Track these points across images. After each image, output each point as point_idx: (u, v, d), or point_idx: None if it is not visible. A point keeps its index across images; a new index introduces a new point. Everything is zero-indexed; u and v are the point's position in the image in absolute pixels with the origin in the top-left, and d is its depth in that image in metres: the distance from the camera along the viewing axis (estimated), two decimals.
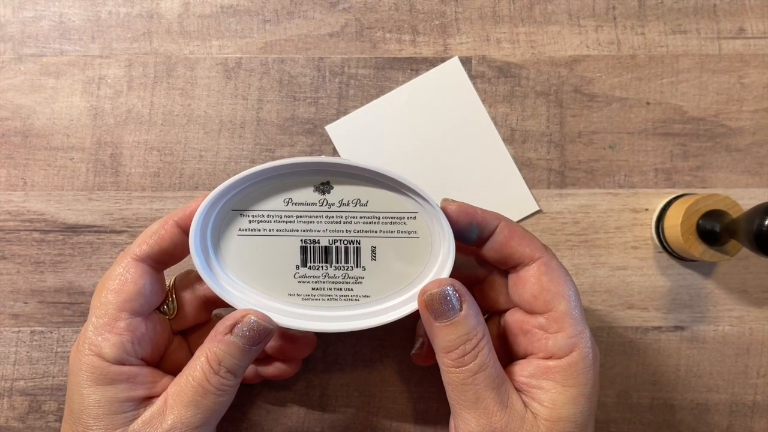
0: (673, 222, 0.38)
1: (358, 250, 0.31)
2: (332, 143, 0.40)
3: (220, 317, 0.34)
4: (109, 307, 0.30)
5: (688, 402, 0.40)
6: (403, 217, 0.31)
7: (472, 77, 0.41)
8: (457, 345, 0.29)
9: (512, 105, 0.40)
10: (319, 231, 0.31)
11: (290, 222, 0.31)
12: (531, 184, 0.40)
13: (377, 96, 0.40)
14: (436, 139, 0.40)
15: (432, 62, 0.41)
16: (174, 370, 0.32)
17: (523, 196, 0.40)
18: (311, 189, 0.31)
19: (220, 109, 0.40)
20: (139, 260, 0.31)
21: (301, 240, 0.31)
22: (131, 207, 0.40)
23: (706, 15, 0.41)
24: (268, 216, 0.31)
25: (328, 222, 0.31)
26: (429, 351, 0.35)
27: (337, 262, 0.31)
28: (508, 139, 0.40)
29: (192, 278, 0.34)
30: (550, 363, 0.30)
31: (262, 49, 0.41)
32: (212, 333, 0.30)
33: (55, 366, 0.40)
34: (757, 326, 0.40)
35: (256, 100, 0.40)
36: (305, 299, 0.32)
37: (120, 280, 0.30)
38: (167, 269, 0.33)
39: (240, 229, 0.31)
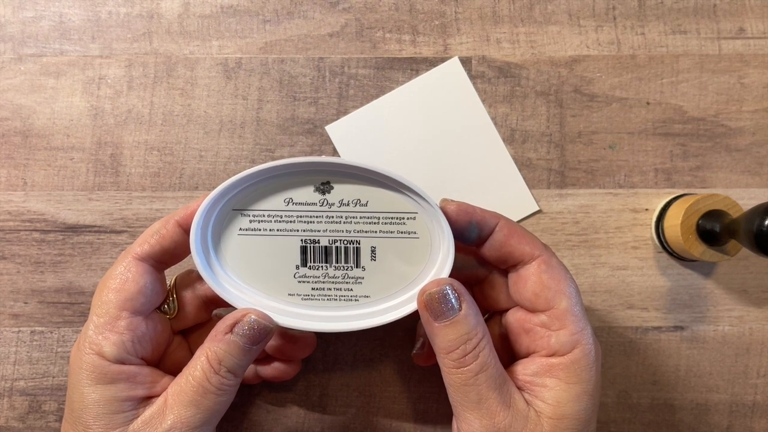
0: (673, 222, 0.38)
1: (358, 251, 0.31)
2: (332, 143, 0.40)
3: (220, 317, 0.34)
4: (110, 306, 0.30)
5: (688, 402, 0.40)
6: (403, 218, 0.31)
7: (472, 77, 0.41)
8: (458, 345, 0.29)
9: (512, 105, 0.40)
10: (319, 231, 0.31)
11: (290, 222, 0.31)
12: (531, 184, 0.40)
13: (377, 96, 0.40)
14: (436, 139, 0.40)
15: (432, 62, 0.41)
16: (174, 370, 0.32)
17: (523, 196, 0.40)
18: (311, 189, 0.31)
19: (220, 109, 0.40)
20: (140, 259, 0.31)
21: (301, 240, 0.31)
22: (131, 207, 0.40)
23: (706, 15, 0.41)
24: (268, 216, 0.31)
25: (328, 222, 0.31)
26: (430, 351, 0.35)
27: (337, 262, 0.31)
28: (508, 139, 0.40)
29: (193, 278, 0.34)
30: (553, 360, 0.30)
31: (262, 49, 0.41)
32: (212, 332, 0.30)
33: (55, 366, 0.40)
34: (757, 326, 0.40)
35: (256, 100, 0.40)
36: (305, 299, 0.32)
37: (121, 279, 0.30)
38: (168, 269, 0.33)
39: (240, 229, 0.31)
